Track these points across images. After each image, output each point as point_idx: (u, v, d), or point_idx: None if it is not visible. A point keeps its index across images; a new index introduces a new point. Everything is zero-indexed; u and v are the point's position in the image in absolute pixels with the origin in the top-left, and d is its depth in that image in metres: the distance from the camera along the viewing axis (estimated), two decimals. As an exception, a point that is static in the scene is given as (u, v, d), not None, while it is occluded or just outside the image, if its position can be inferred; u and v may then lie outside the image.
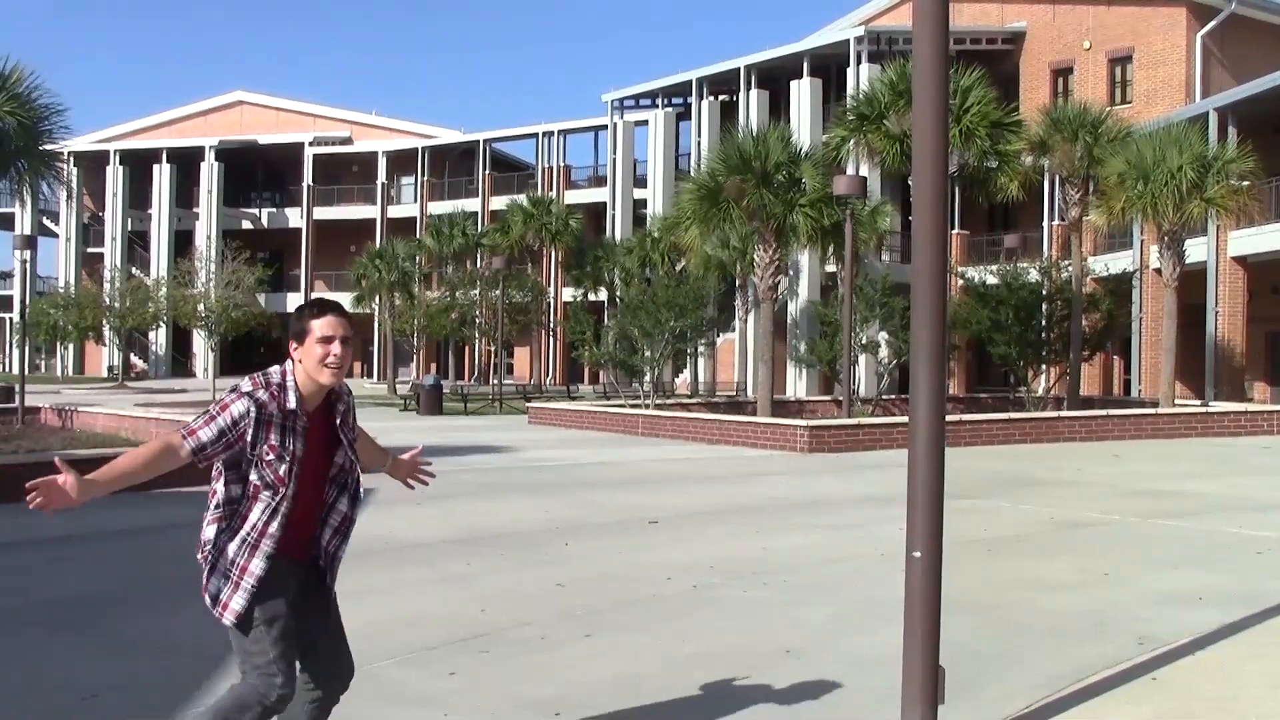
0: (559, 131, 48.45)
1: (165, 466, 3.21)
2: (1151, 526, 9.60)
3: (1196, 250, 24.27)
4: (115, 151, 53.65)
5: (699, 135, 39.93)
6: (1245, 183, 21.47)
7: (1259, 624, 5.94)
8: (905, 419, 4.49)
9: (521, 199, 44.68)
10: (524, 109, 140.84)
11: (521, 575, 7.33)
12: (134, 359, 52.01)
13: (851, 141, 23.71)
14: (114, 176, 53.28)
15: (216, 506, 3.34)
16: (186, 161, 53.74)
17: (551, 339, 46.90)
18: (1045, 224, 33.84)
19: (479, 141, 51.14)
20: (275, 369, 3.37)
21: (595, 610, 6.30)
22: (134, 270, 50.91)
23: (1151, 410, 20.80)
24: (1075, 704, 4.60)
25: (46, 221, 54.09)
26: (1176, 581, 7.14)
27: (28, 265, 31.02)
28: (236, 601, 3.29)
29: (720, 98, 40.77)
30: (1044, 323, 25.23)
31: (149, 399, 29.81)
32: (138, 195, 53.82)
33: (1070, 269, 24.78)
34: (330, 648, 3.50)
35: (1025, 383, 25.86)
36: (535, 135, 49.22)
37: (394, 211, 53.83)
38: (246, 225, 54.52)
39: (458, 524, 9.23)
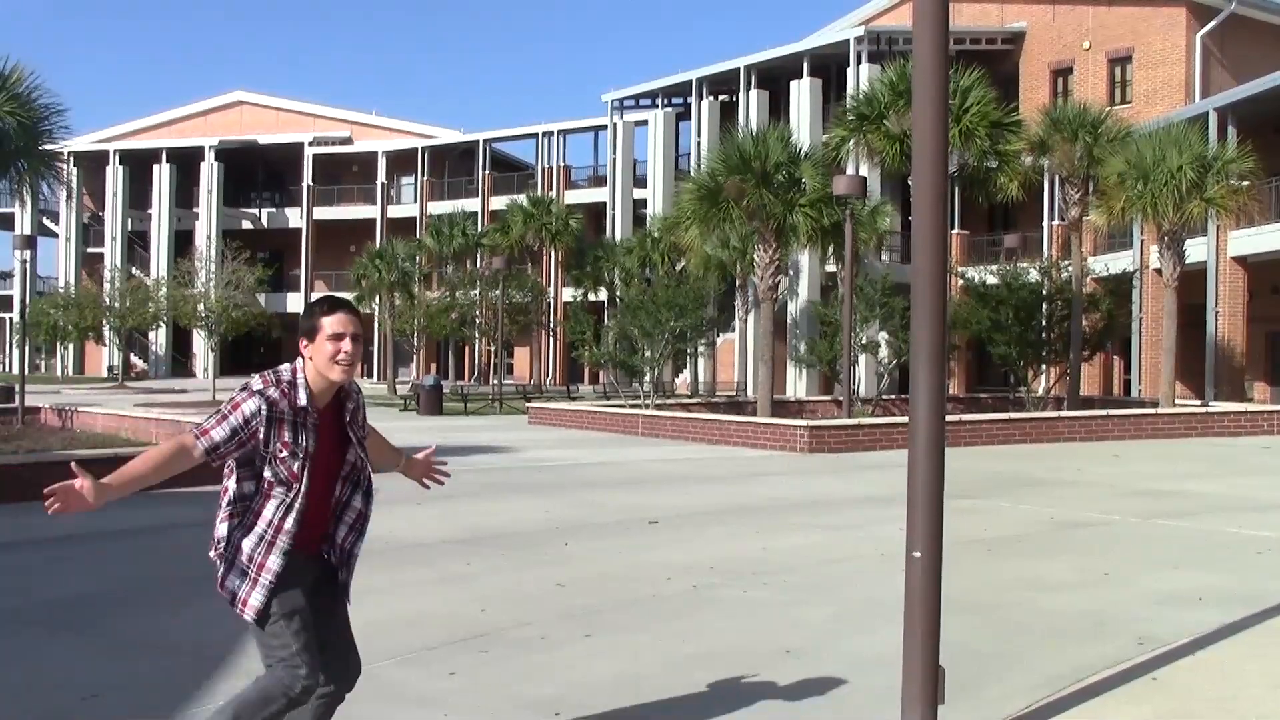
0: (559, 131, 48.46)
1: (179, 467, 3.24)
2: (1151, 526, 9.60)
3: (1196, 250, 24.27)
4: (115, 151, 53.66)
5: (699, 135, 39.93)
6: (1245, 183, 21.47)
7: (1259, 624, 5.94)
8: (905, 419, 4.49)
9: (521, 199, 44.68)
10: (524, 109, 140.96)
11: (521, 575, 7.33)
12: (134, 359, 52.02)
13: (851, 141, 23.71)
14: (114, 176, 53.28)
15: (229, 503, 3.37)
16: (186, 161, 53.75)
17: (551, 339, 46.91)
18: (1045, 224, 33.84)
19: (479, 141, 51.15)
20: (286, 367, 3.39)
21: (595, 610, 6.30)
22: (134, 270, 50.92)
23: (1151, 410, 20.80)
24: (1075, 704, 4.60)
25: (46, 221, 54.10)
26: (1176, 581, 7.14)
27: (28, 265, 31.03)
28: (255, 598, 3.31)
29: (720, 98, 40.78)
30: (1044, 323, 25.23)
31: (149, 399, 29.83)
32: (138, 195, 53.83)
33: (1070, 269, 24.78)
34: (339, 644, 3.52)
35: (1025, 383, 25.87)
36: (535, 135, 49.22)
37: (394, 211, 53.84)
38: (246, 225, 54.52)
39: (458, 524, 9.23)
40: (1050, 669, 5.11)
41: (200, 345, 46.71)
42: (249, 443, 3.27)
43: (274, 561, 3.31)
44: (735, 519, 9.99)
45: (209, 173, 53.11)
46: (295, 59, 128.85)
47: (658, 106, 42.96)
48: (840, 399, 22.44)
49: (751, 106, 37.76)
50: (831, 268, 31.14)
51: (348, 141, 55.25)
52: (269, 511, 3.33)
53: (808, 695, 4.78)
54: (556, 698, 4.69)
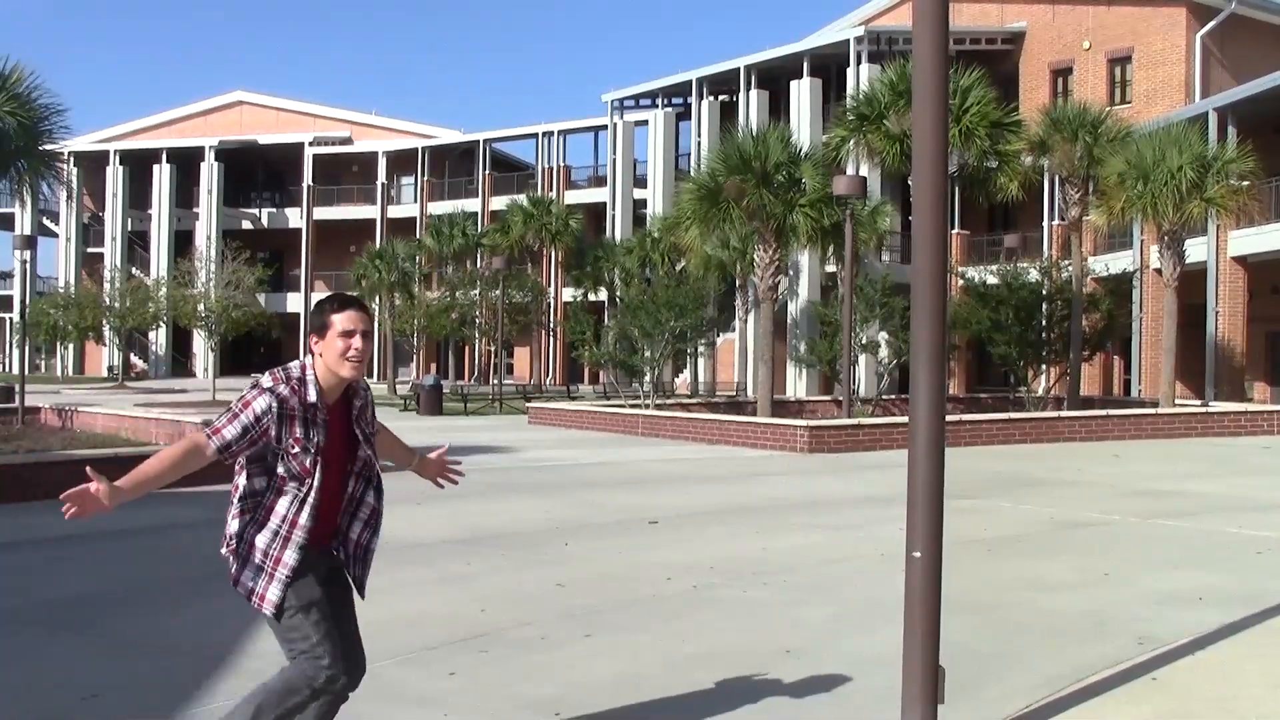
0: (559, 131, 48.46)
1: (192, 466, 3.29)
2: (1151, 526, 9.60)
3: (1196, 250, 24.27)
4: (115, 151, 53.66)
5: (699, 135, 39.93)
6: (1245, 183, 21.47)
7: (1259, 624, 5.94)
8: (905, 419, 4.49)
9: (521, 199, 44.69)
10: (524, 109, 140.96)
11: (521, 575, 7.33)
12: (134, 359, 52.03)
13: (851, 141, 23.71)
14: (114, 176, 53.28)
15: (240, 500, 3.41)
16: (186, 161, 53.75)
17: (551, 339, 46.91)
18: (1045, 224, 33.84)
19: (479, 141, 51.15)
20: (295, 364, 3.43)
21: (595, 610, 6.30)
22: (134, 270, 50.91)
23: (1151, 410, 20.80)
24: (1075, 704, 4.60)
25: (46, 221, 54.10)
26: (1176, 581, 7.14)
27: (28, 265, 31.04)
28: (272, 592, 3.35)
29: (720, 98, 40.77)
30: (1044, 323, 25.23)
31: (149, 399, 29.83)
32: (138, 195, 53.83)
33: (1070, 269, 24.78)
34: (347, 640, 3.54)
35: (1025, 383, 25.86)
36: (535, 135, 49.23)
37: (394, 211, 53.84)
38: (246, 225, 54.52)
39: (458, 524, 9.24)
40: (1050, 669, 5.11)
41: (200, 345, 46.71)
42: (260, 440, 3.30)
43: (290, 556, 3.35)
44: (735, 519, 9.99)
45: (209, 173, 53.12)
46: (295, 59, 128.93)
47: (658, 106, 42.96)
48: (840, 399, 22.44)
49: (751, 106, 37.76)
50: (831, 268, 31.14)
51: (348, 141, 55.25)
52: (282, 507, 3.37)
53: (808, 695, 4.78)
54: (556, 698, 4.69)
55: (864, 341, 25.44)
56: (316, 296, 53.10)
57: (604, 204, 45.16)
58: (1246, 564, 7.83)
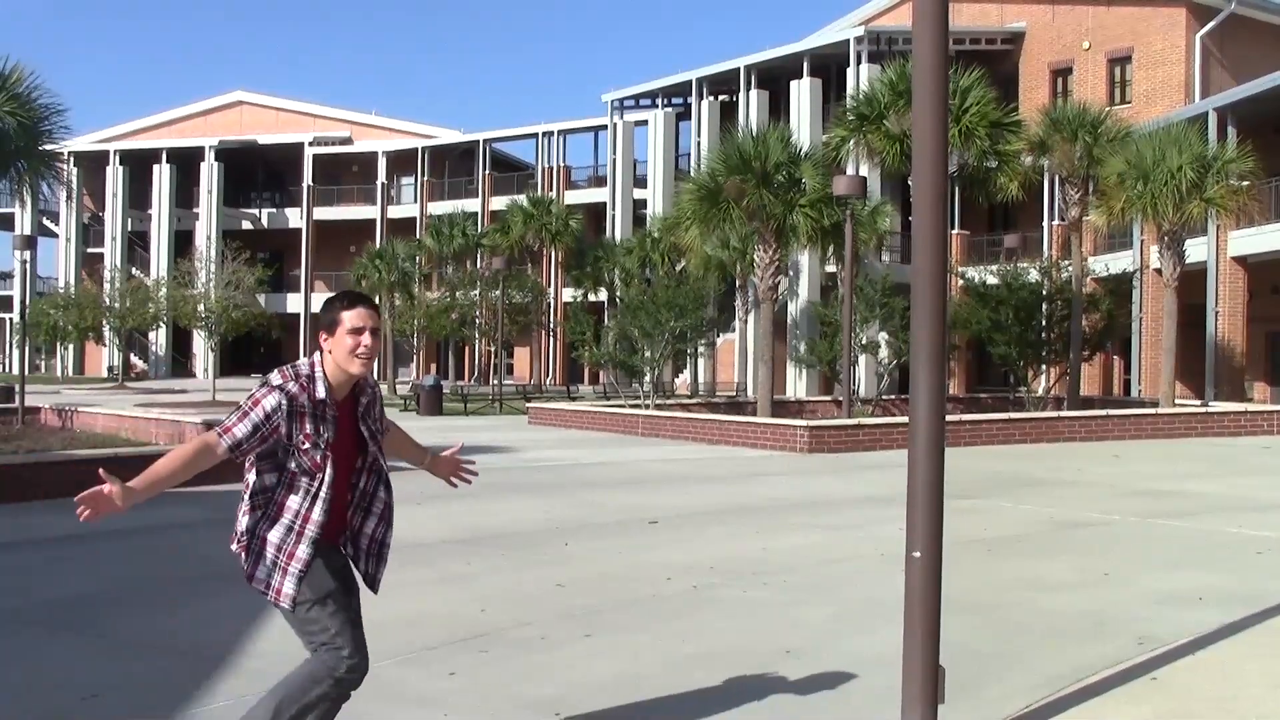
0: (559, 131, 48.46)
1: (203, 465, 3.32)
2: (1151, 526, 9.60)
3: (1196, 250, 24.27)
4: (115, 151, 53.65)
5: (699, 135, 39.93)
6: (1245, 183, 21.47)
7: (1259, 624, 5.94)
8: (905, 419, 4.49)
9: (521, 199, 44.69)
10: (524, 109, 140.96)
11: (521, 575, 7.33)
12: (134, 359, 52.02)
13: (851, 141, 23.71)
14: (114, 176, 53.28)
15: (251, 496, 3.45)
16: (186, 161, 53.75)
17: (551, 339, 46.91)
18: (1045, 224, 33.85)
19: (479, 141, 51.15)
20: (304, 361, 3.47)
21: (595, 610, 6.30)
22: (134, 270, 50.91)
23: (1151, 410, 20.80)
24: (1075, 704, 4.60)
25: (46, 221, 54.10)
26: (1176, 581, 7.14)
27: (28, 265, 31.03)
28: (288, 586, 3.39)
29: (720, 98, 40.77)
30: (1044, 323, 25.23)
31: (149, 399, 29.82)
32: (138, 195, 53.82)
33: (1070, 269, 24.79)
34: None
35: (1025, 383, 25.86)
36: (535, 135, 49.23)
37: (394, 211, 53.84)
38: (246, 225, 54.52)
39: (458, 524, 9.24)
40: (1050, 669, 5.11)
41: (200, 345, 46.70)
42: (271, 437, 3.34)
43: (303, 550, 3.39)
44: (735, 519, 9.99)
45: (209, 173, 53.12)
46: (295, 59, 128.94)
47: (658, 106, 42.96)
48: (840, 399, 22.44)
49: (751, 106, 37.76)
50: (831, 268, 31.14)
51: (348, 141, 55.25)
52: (294, 503, 3.41)
53: (808, 695, 4.78)
54: (556, 698, 4.69)
55: (864, 341, 25.44)
56: (317, 297, 53.24)
57: (604, 204, 45.16)
58: (1246, 564, 7.83)
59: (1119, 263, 28.99)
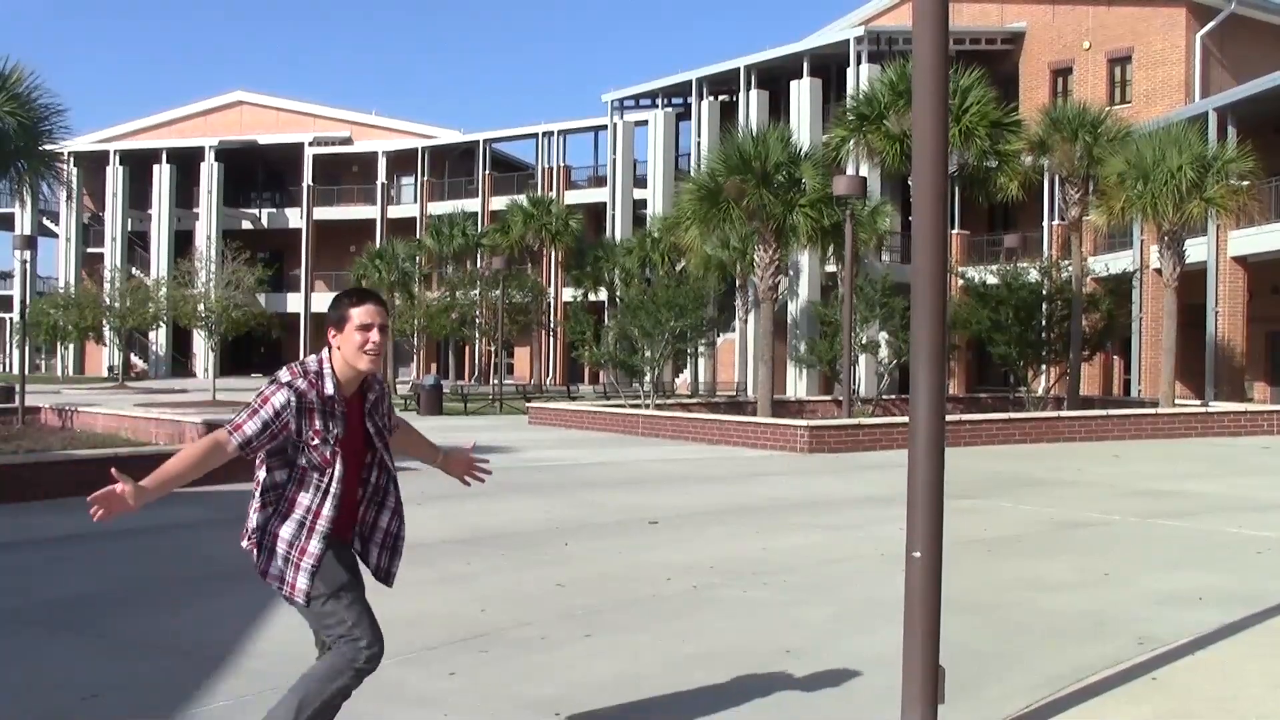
0: (559, 131, 48.45)
1: (214, 463, 3.36)
2: (1151, 526, 9.60)
3: (1196, 250, 24.27)
4: (115, 151, 53.64)
5: (699, 135, 39.93)
6: (1245, 183, 21.47)
7: (1259, 624, 5.94)
8: (905, 419, 4.49)
9: (521, 199, 44.69)
10: (524, 109, 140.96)
11: (521, 575, 7.33)
12: (134, 359, 52.02)
13: (851, 141, 23.71)
14: (114, 176, 53.27)
15: (262, 493, 3.48)
16: (186, 161, 53.74)
17: (551, 339, 46.91)
18: (1045, 224, 33.84)
19: (479, 141, 51.14)
20: (312, 358, 3.50)
21: (595, 610, 6.30)
22: (134, 270, 50.90)
23: (1151, 410, 20.80)
24: (1075, 704, 4.60)
25: (46, 221, 54.09)
26: (1176, 581, 7.14)
27: (28, 265, 31.02)
28: (301, 581, 3.42)
29: (720, 98, 40.77)
30: (1044, 323, 25.23)
31: (149, 399, 29.82)
32: (138, 195, 53.82)
33: (1070, 269, 24.78)
34: None
35: (1025, 383, 25.86)
36: (535, 135, 49.23)
37: (394, 211, 53.83)
38: (246, 225, 54.51)
39: (458, 524, 9.24)
40: (1050, 669, 5.11)
41: (200, 345, 46.71)
42: (281, 434, 3.37)
43: (315, 545, 3.42)
44: (735, 519, 9.99)
45: (209, 173, 53.11)
46: (295, 59, 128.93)
47: (658, 106, 42.96)
48: (840, 399, 22.44)
49: (751, 106, 37.75)
50: (831, 268, 31.14)
51: (348, 141, 55.25)
52: (305, 499, 3.44)
53: (808, 695, 4.78)
54: (556, 698, 4.69)
55: (864, 341, 25.44)
56: (317, 297, 53.27)
57: (604, 204, 45.15)
58: (1246, 564, 7.83)
59: (1119, 263, 28.99)
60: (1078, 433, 18.74)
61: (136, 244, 54.02)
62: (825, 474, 14.00)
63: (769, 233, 21.95)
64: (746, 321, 34.02)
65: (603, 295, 41.78)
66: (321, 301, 52.55)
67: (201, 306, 34.53)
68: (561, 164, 48.46)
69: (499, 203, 47.98)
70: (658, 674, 5.06)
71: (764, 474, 13.98)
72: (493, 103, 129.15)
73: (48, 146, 17.91)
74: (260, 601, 6.27)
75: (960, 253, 34.84)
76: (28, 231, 40.79)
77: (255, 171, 56.75)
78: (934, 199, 4.19)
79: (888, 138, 22.83)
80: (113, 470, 3.26)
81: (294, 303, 53.88)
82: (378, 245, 47.83)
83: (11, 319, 52.06)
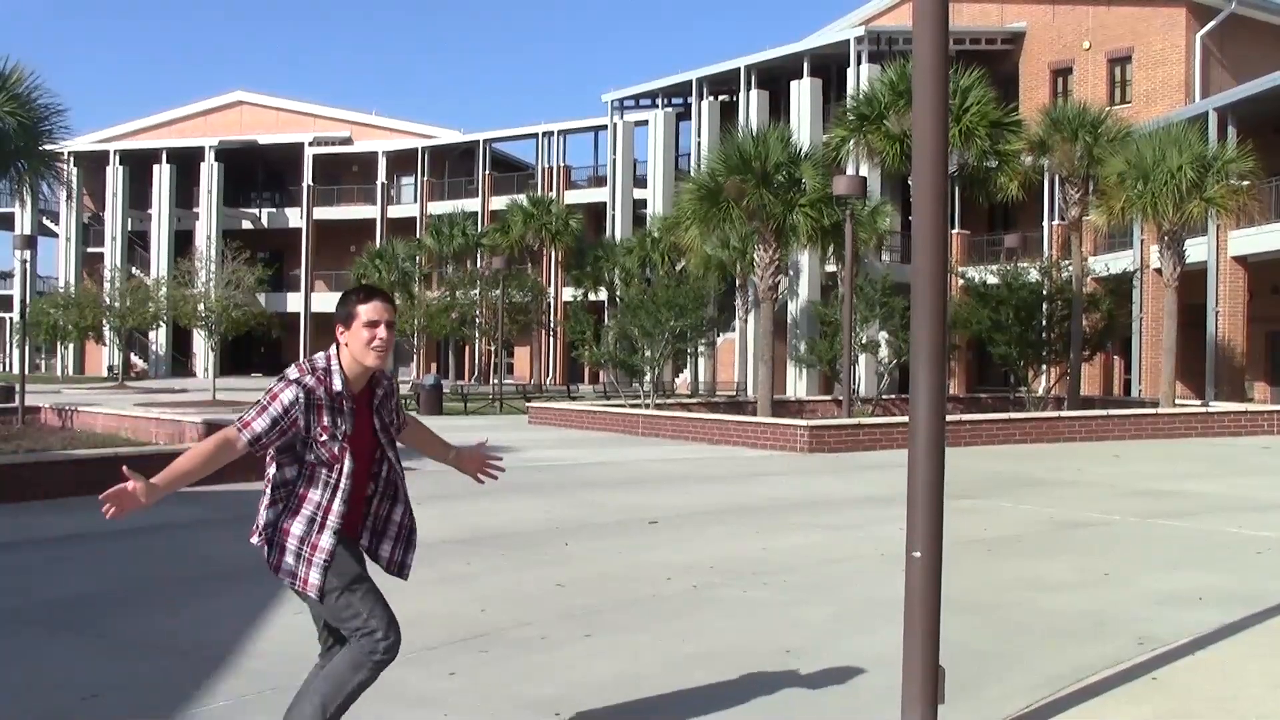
0: (559, 131, 48.46)
1: (224, 460, 3.39)
2: (1151, 526, 9.60)
3: (1196, 250, 24.26)
4: (115, 151, 53.64)
5: (699, 135, 39.93)
6: (1245, 183, 21.46)
7: (1259, 624, 5.94)
8: (905, 419, 4.49)
9: (521, 199, 44.70)
10: (524, 109, 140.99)
11: (521, 575, 7.33)
12: (134, 359, 52.02)
13: (851, 141, 23.71)
14: (114, 176, 53.27)
15: (273, 490, 3.51)
16: (186, 161, 53.74)
17: (551, 339, 46.92)
18: (1045, 224, 33.84)
19: (479, 141, 51.15)
20: (320, 355, 3.53)
21: (595, 610, 6.30)
22: (134, 270, 50.91)
23: (1151, 410, 20.79)
24: (1075, 704, 4.60)
25: (46, 221, 54.09)
26: (1176, 581, 7.14)
27: (28, 265, 31.03)
28: (314, 575, 3.45)
29: (720, 98, 40.77)
30: (1044, 323, 25.23)
31: (149, 399, 29.82)
32: (138, 195, 53.82)
33: (1070, 269, 24.78)
34: None
35: (1025, 383, 25.86)
36: (535, 135, 49.23)
37: (394, 211, 53.83)
38: (246, 225, 54.51)
39: (458, 524, 9.23)
40: (1050, 669, 5.11)
41: (200, 345, 46.71)
42: (290, 431, 3.40)
43: (326, 540, 3.45)
44: (735, 519, 9.99)
45: (209, 173, 53.11)
46: (295, 59, 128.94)
47: (658, 106, 42.96)
48: (840, 399, 22.44)
49: (751, 106, 37.75)
50: (831, 268, 31.14)
51: (348, 141, 55.25)
52: (315, 494, 3.47)
53: (808, 695, 4.78)
54: (556, 698, 4.69)
55: (864, 341, 25.43)
56: (317, 296, 53.28)
57: (604, 204, 45.16)
58: (1246, 564, 7.83)
59: (1119, 263, 28.98)
60: (1078, 433, 18.73)
61: (136, 244, 54.02)
62: (825, 474, 14.00)
63: (769, 233, 21.95)
64: (746, 321, 34.02)
65: (603, 295, 41.78)
66: (321, 301, 52.63)
67: (201, 306, 34.51)
68: (561, 164, 48.46)
69: (499, 203, 47.99)
70: (658, 674, 5.06)
71: (764, 474, 13.97)
72: (493, 103, 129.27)
73: (48, 146, 17.91)
74: (259, 601, 6.27)
75: (960, 253, 34.84)
76: (28, 231, 40.77)
77: (255, 171, 56.76)
78: (934, 199, 4.19)
79: (888, 138, 22.83)
80: (124, 468, 3.28)
81: (294, 302, 53.88)
82: (378, 245, 47.87)
83: (11, 319, 52.07)
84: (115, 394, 33.14)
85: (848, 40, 35.40)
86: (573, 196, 47.68)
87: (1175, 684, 4.88)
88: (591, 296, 42.12)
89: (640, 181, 44.37)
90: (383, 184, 53.69)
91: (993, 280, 25.60)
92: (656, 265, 36.95)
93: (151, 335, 51.04)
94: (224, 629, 5.78)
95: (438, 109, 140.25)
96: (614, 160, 44.58)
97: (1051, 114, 24.58)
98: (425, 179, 52.66)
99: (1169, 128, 22.39)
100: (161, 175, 53.07)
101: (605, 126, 45.63)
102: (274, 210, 56.56)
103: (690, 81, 40.43)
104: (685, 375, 36.24)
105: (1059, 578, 7.32)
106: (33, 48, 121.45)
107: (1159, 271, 23.64)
